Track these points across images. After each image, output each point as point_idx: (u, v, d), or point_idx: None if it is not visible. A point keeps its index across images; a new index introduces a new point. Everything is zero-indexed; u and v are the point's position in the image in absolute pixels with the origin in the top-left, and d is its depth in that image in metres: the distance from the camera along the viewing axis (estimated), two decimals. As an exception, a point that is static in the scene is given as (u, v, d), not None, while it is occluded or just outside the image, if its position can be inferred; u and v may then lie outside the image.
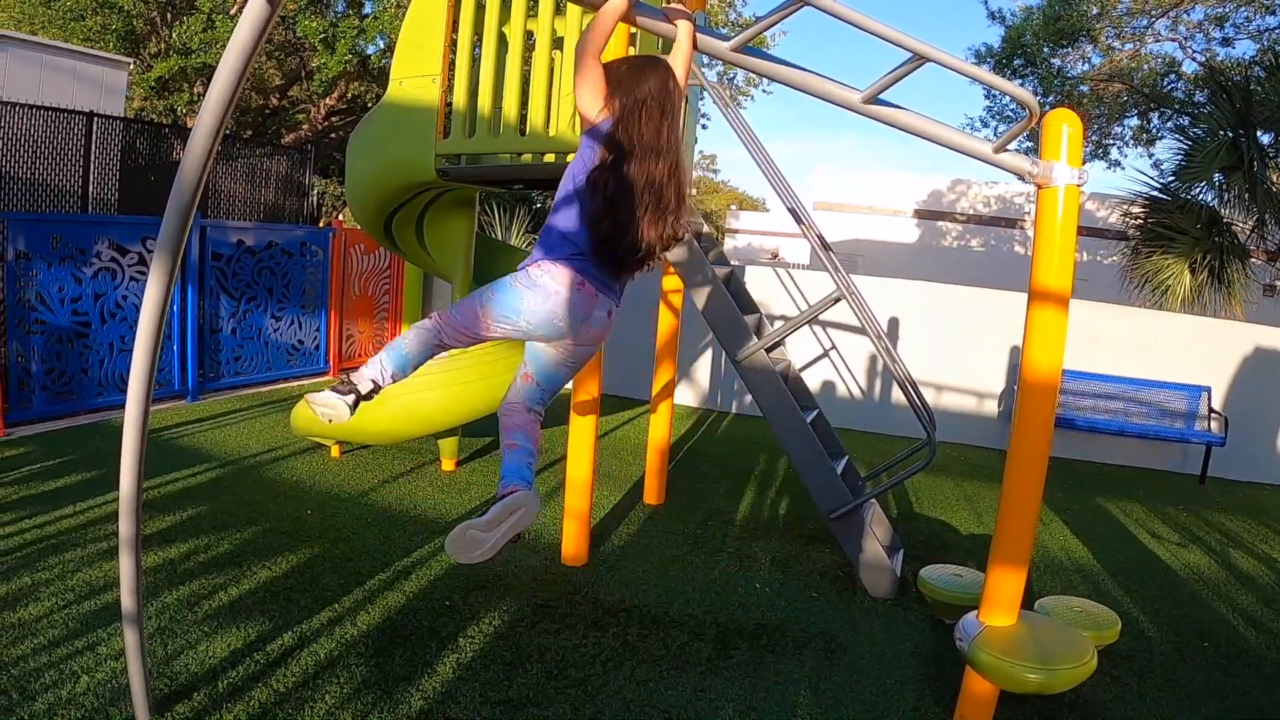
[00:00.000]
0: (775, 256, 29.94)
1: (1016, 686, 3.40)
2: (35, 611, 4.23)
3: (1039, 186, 3.32)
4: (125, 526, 3.19)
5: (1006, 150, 3.22)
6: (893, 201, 25.41)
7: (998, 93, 21.45)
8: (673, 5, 3.08)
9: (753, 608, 4.93)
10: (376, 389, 3.19)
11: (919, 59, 2.80)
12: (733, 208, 42.70)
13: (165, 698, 3.57)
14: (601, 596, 4.94)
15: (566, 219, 2.99)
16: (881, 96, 3.07)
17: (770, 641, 4.52)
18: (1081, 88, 20.66)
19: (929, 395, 9.69)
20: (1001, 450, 9.47)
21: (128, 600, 3.30)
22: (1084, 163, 3.33)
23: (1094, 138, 21.48)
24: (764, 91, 23.75)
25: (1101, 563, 6.17)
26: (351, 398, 3.17)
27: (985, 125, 21.67)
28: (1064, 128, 3.27)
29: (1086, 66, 20.94)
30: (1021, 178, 3.35)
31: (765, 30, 2.85)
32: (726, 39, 2.99)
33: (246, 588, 4.69)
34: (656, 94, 2.94)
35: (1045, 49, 20.20)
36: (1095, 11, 19.84)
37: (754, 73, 3.09)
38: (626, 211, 2.88)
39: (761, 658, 4.33)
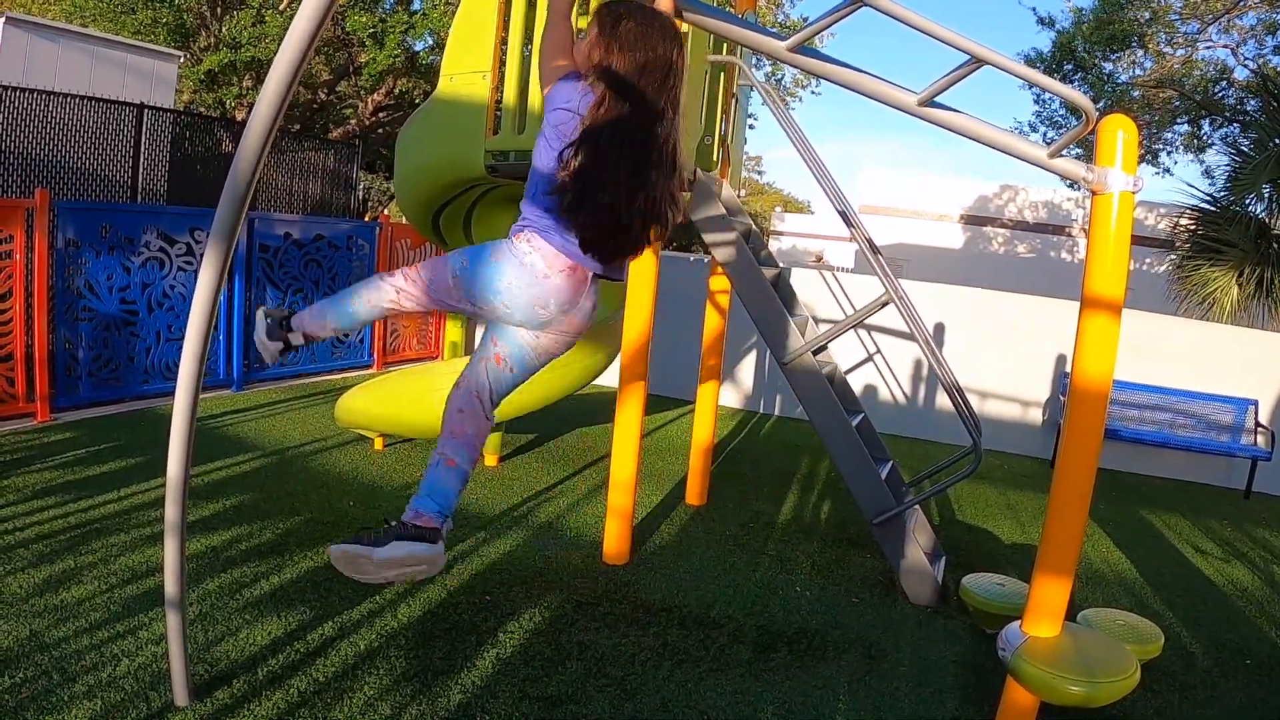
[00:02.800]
0: (820, 260, 29.87)
1: (1059, 699, 3.37)
2: (78, 594, 4.31)
3: (1093, 193, 3.28)
4: (171, 512, 3.23)
5: (1061, 156, 3.20)
6: (939, 206, 25.23)
7: (1047, 98, 21.29)
8: None
9: (793, 611, 4.92)
10: (309, 341, 3.12)
11: (976, 62, 2.78)
12: (778, 210, 42.47)
13: (205, 683, 3.61)
14: (642, 596, 4.94)
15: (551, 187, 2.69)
16: (937, 100, 3.06)
17: (810, 646, 4.50)
18: (1133, 93, 20.46)
19: (973, 402, 9.60)
20: (1045, 459, 9.40)
21: (171, 585, 3.35)
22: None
23: (1144, 143, 21.26)
24: (812, 93, 23.70)
25: (1144, 576, 6.09)
26: (279, 345, 3.10)
27: (1034, 130, 21.49)
28: (1119, 134, 3.23)
29: (1138, 71, 20.74)
30: (1075, 184, 3.32)
31: (822, 31, 2.85)
32: (782, 38, 2.97)
33: (288, 577, 4.74)
34: (660, 63, 2.61)
35: (1096, 54, 20.01)
36: (1147, 16, 19.63)
37: (810, 73, 3.07)
38: (613, 186, 2.59)
39: (801, 662, 4.32)
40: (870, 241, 5.72)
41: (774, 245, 37.00)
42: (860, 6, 2.62)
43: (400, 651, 4.03)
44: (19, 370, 7.48)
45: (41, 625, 3.97)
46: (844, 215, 5.67)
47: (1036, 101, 21.72)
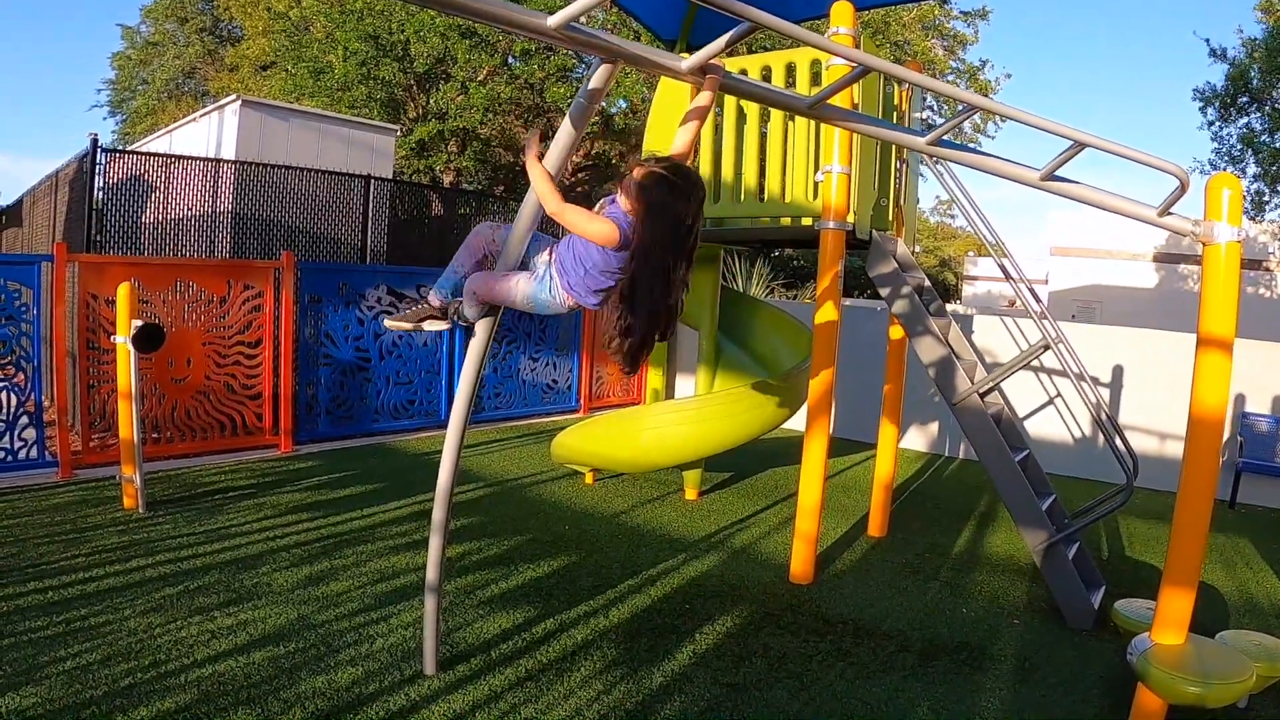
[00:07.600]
0: (1014, 304, 29.57)
1: (1176, 697, 3.78)
2: (335, 589, 5.30)
3: (1203, 244, 3.76)
4: (438, 513, 4.19)
5: (1170, 214, 3.70)
6: (1131, 245, 24.73)
7: (1224, 135, 21.15)
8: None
9: (957, 628, 5.40)
10: (443, 311, 4.22)
11: (1078, 145, 3.36)
12: (970, 254, 41.53)
13: (447, 659, 4.48)
14: (822, 610, 5.54)
15: (594, 280, 3.77)
16: (1056, 174, 3.61)
17: (968, 657, 4.98)
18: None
19: (1154, 443, 9.75)
20: (1223, 500, 9.39)
21: (432, 573, 4.27)
22: (1243, 220, 3.75)
23: None
24: (988, 136, 23.74)
25: (1309, 611, 6.16)
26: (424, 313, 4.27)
27: (1214, 167, 21.03)
28: (1224, 191, 3.70)
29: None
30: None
31: (950, 130, 3.46)
32: (923, 135, 3.60)
33: (514, 583, 5.61)
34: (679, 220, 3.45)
35: (1273, 80, 19.54)
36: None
37: (948, 160, 3.68)
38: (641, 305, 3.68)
39: (958, 670, 4.81)
40: (1033, 291, 6.21)
41: (968, 289, 36.56)
42: (975, 111, 3.24)
43: (611, 644, 4.78)
44: (267, 407, 8.85)
45: (307, 611, 4.96)
46: (1003, 269, 6.17)
47: (1214, 140, 21.41)
